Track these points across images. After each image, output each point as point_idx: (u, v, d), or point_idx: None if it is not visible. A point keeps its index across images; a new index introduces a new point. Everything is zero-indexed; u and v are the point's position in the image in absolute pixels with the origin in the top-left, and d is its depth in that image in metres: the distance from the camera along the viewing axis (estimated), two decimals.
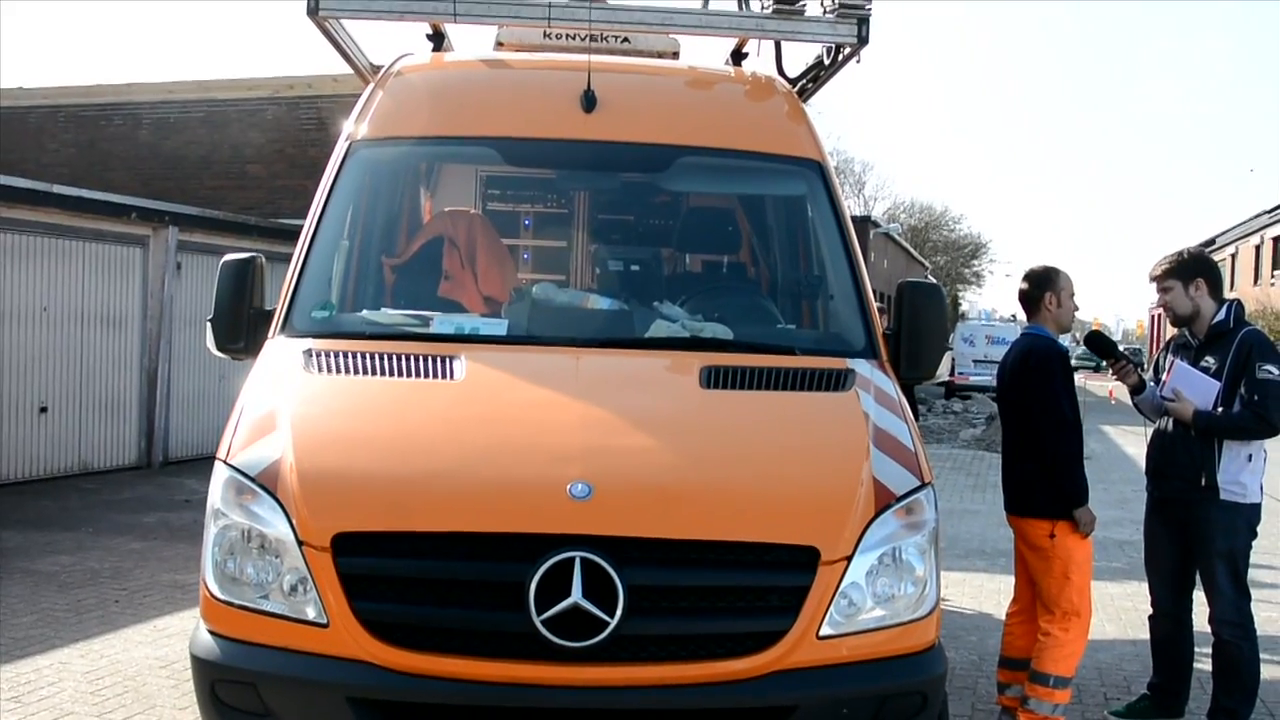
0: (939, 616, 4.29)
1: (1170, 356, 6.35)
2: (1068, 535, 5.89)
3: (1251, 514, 6.06)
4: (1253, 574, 6.24)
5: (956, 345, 40.51)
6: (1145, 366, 6.71)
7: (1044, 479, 5.92)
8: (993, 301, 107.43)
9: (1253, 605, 6.15)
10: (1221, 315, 6.13)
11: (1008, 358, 6.26)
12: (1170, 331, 6.70)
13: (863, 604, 4.05)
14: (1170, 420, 6.21)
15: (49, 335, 14.64)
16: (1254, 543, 6.15)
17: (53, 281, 14.66)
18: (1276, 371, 5.91)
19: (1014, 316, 45.12)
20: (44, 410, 14.61)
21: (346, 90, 16.48)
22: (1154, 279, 6.37)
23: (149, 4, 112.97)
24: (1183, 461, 6.10)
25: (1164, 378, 6.27)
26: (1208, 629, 6.15)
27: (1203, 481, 6.01)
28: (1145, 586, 6.57)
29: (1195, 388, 6.05)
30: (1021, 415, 6.08)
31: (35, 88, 23.34)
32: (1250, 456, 6.01)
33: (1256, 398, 5.87)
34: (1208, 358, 6.12)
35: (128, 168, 21.67)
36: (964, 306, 73.17)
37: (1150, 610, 6.52)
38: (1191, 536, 6.14)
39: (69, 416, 14.97)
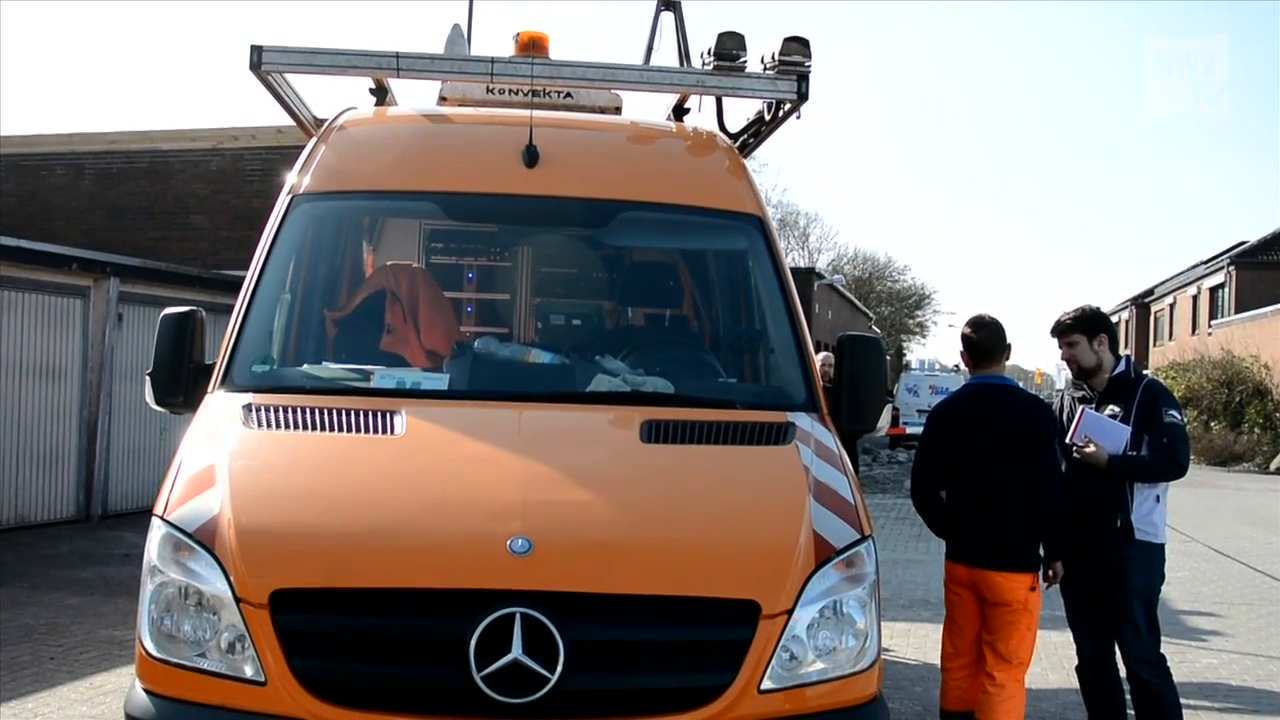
0: (880, 669, 4.32)
1: (1080, 406, 6.44)
2: (1036, 587, 5.95)
3: (1161, 554, 6.30)
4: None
5: (901, 395, 40.68)
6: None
7: (1035, 534, 5.96)
8: (936, 351, 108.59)
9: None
10: (1122, 367, 6.44)
11: (997, 406, 6.11)
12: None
13: (804, 657, 4.06)
14: (1076, 467, 6.28)
15: None
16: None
17: None
18: (1179, 416, 6.30)
19: (957, 367, 45.42)
20: None
21: (290, 141, 16.43)
22: (1059, 333, 6.50)
23: (93, 54, 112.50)
24: (1095, 505, 6.22)
25: (1072, 427, 6.37)
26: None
27: (1118, 524, 6.19)
28: None
29: (1106, 434, 6.23)
30: (1025, 471, 5.95)
31: None
32: (1158, 497, 6.27)
33: (1166, 441, 6.15)
34: (1111, 406, 6.34)
35: (69, 218, 21.49)
36: (908, 356, 73.74)
37: (1077, 659, 6.62)
38: (1107, 579, 6.24)
39: (5, 469, 14.71)
